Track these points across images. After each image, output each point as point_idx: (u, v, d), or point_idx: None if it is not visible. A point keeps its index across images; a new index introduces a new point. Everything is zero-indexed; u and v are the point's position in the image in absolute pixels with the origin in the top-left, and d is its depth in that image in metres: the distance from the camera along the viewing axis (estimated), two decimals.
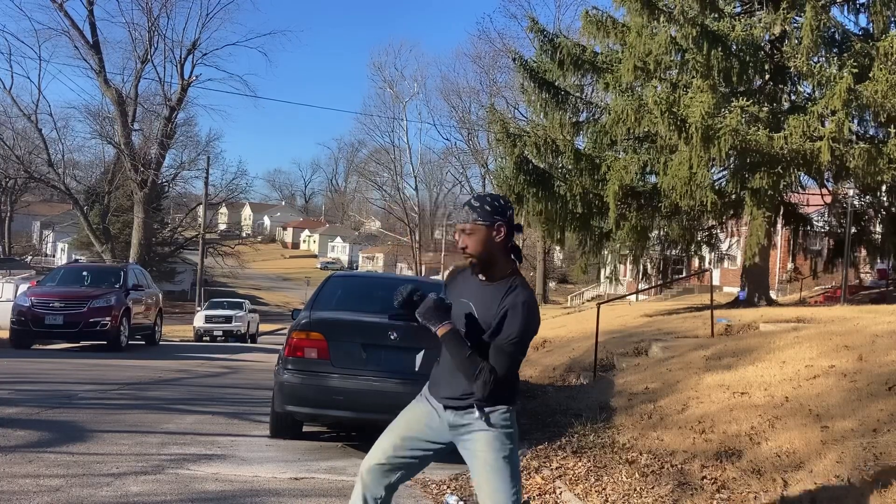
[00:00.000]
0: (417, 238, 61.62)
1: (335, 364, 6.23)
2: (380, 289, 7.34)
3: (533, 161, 17.63)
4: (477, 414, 2.88)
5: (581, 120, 18.47)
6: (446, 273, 3.13)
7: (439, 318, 2.86)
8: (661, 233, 18.52)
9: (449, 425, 2.96)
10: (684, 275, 24.09)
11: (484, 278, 2.95)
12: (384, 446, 3.02)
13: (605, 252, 18.93)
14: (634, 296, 28.75)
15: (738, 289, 19.25)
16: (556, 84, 18.11)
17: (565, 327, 18.83)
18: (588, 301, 40.16)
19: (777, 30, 16.36)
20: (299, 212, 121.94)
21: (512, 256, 2.96)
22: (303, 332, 6.41)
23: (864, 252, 19.25)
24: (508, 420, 2.93)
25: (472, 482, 3.00)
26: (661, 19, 15.95)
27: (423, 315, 2.88)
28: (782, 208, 17.81)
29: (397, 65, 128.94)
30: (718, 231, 19.59)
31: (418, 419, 3.04)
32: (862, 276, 26.18)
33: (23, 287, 20.49)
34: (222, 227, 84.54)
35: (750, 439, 5.31)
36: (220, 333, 29.05)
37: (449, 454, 3.10)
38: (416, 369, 5.94)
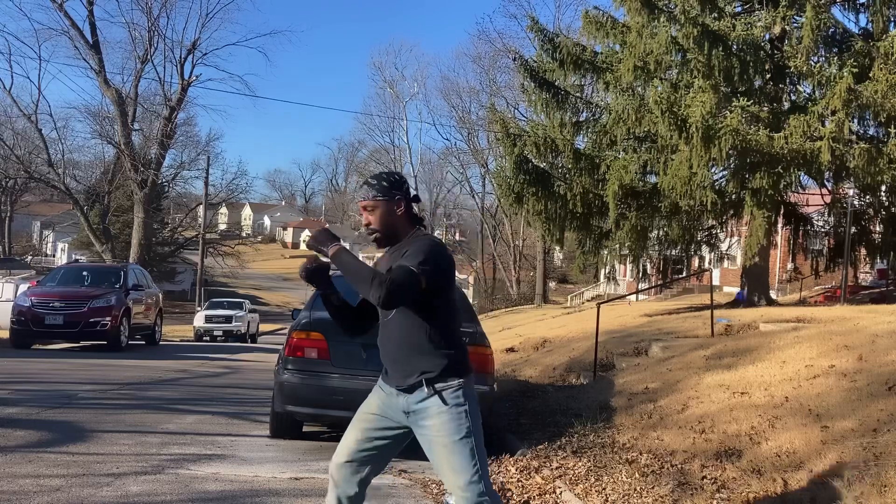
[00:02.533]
0: None
1: (335, 364, 6.23)
2: None
3: (533, 161, 17.64)
4: (426, 390, 2.86)
5: (581, 120, 18.48)
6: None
7: (330, 239, 2.93)
8: (661, 233, 18.52)
9: (404, 411, 2.95)
10: (684, 275, 24.07)
11: (390, 250, 3.04)
12: (348, 443, 3.03)
13: (605, 252, 18.94)
14: (634, 296, 28.76)
15: (738, 289, 19.26)
16: (557, 84, 18.11)
17: (565, 327, 18.84)
18: (588, 301, 40.16)
19: (777, 29, 16.36)
20: (299, 212, 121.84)
21: (415, 224, 3.05)
22: (303, 331, 6.42)
23: (864, 252, 19.24)
24: (461, 396, 2.89)
25: (435, 470, 2.97)
26: (662, 19, 15.95)
27: (315, 240, 2.94)
28: (782, 208, 17.81)
29: (397, 64, 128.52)
30: (718, 231, 19.59)
31: (375, 409, 3.04)
32: (862, 275, 26.17)
33: (23, 287, 20.49)
34: (222, 227, 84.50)
35: (750, 439, 5.31)
36: (220, 333, 29.06)
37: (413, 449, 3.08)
38: None
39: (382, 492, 5.14)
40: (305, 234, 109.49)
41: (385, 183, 3.02)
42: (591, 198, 17.19)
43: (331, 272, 3.07)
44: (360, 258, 3.15)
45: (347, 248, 2.95)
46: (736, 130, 14.14)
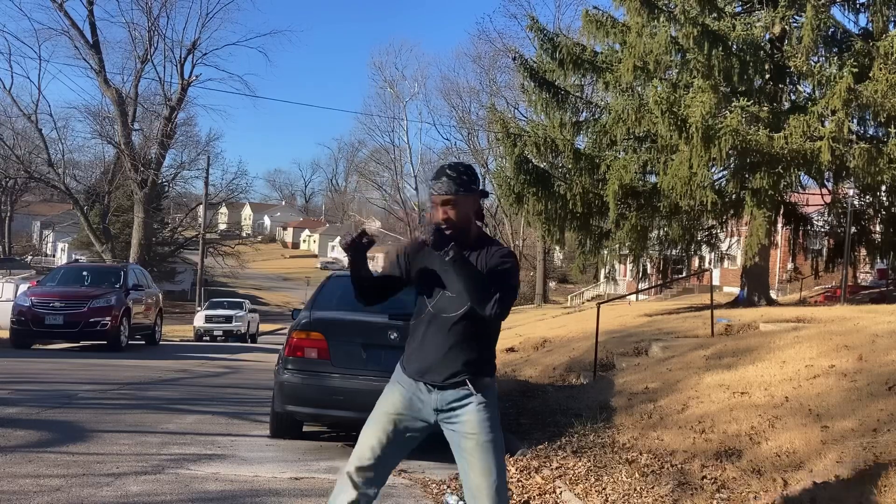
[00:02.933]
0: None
1: (335, 364, 6.23)
2: None
3: (533, 161, 17.63)
4: (469, 387, 2.86)
5: (581, 119, 18.47)
6: (402, 249, 3.01)
7: (447, 241, 2.76)
8: (661, 233, 18.51)
9: (434, 409, 2.91)
10: (684, 275, 24.07)
11: (456, 245, 2.84)
12: (371, 445, 2.93)
13: (605, 252, 18.94)
14: (634, 296, 28.75)
15: (738, 289, 19.26)
16: (557, 83, 18.11)
17: (565, 327, 18.84)
18: (588, 301, 40.16)
19: (777, 29, 16.36)
20: (299, 212, 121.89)
21: (480, 223, 3.01)
22: (303, 331, 6.42)
23: (864, 252, 19.24)
24: (495, 397, 2.93)
25: (459, 465, 2.92)
26: (661, 19, 15.96)
27: (432, 234, 2.75)
28: (782, 208, 17.81)
29: (398, 64, 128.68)
30: (718, 231, 19.58)
31: (399, 407, 2.96)
32: (862, 275, 26.17)
33: (23, 287, 20.49)
34: (222, 227, 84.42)
35: (750, 439, 5.31)
36: (221, 333, 29.05)
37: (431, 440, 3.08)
38: None
39: (382, 491, 5.14)
40: (305, 234, 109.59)
41: (465, 177, 2.89)
42: (591, 198, 17.18)
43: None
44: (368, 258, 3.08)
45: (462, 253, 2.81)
46: (736, 130, 14.14)
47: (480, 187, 2.95)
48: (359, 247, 2.93)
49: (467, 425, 2.86)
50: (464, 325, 2.88)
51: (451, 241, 2.79)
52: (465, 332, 2.88)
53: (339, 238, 3.18)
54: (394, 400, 2.99)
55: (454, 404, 2.88)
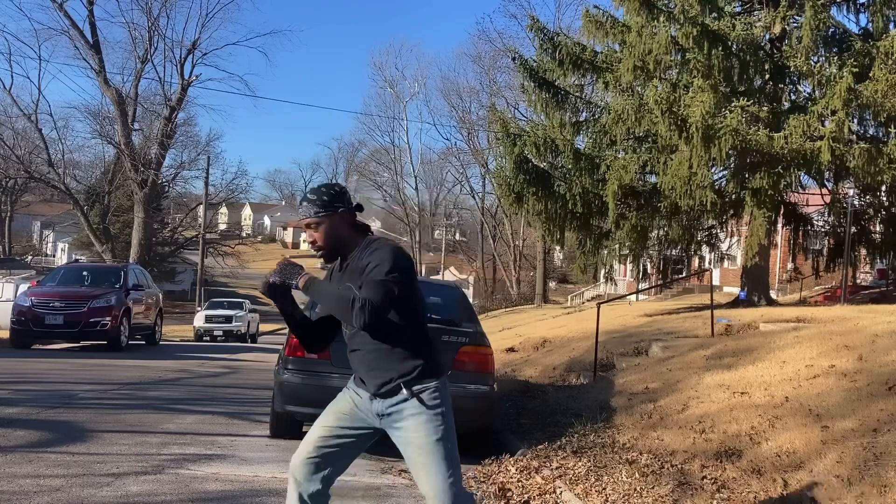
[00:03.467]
0: (417, 238, 61.61)
1: (335, 364, 6.23)
2: None
3: (533, 160, 17.63)
4: (405, 393, 2.83)
5: (581, 119, 18.47)
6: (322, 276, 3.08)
7: (296, 271, 2.87)
8: (661, 233, 18.51)
9: (377, 414, 2.92)
10: (684, 275, 24.06)
11: (340, 264, 2.98)
12: (313, 439, 2.98)
13: (605, 252, 18.93)
14: (634, 296, 28.74)
15: (738, 289, 19.25)
16: (556, 83, 18.10)
17: (565, 327, 18.83)
18: (588, 301, 40.16)
19: (777, 29, 16.36)
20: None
21: (362, 233, 2.99)
22: None
23: (864, 252, 19.24)
24: (439, 398, 2.87)
25: (410, 471, 2.93)
26: (661, 19, 15.95)
27: (281, 273, 2.87)
28: (782, 208, 17.80)
29: (398, 64, 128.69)
30: (718, 231, 19.58)
31: (346, 410, 3.01)
32: (862, 275, 26.17)
33: (23, 287, 20.49)
34: (222, 227, 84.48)
35: (750, 439, 5.31)
36: (221, 333, 29.05)
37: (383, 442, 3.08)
38: None
39: (382, 492, 5.15)
40: (303, 238, 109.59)
41: (325, 197, 2.93)
42: (591, 198, 17.18)
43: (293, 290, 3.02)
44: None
45: (312, 276, 2.90)
46: (736, 130, 14.14)
47: (350, 204, 2.95)
48: (277, 292, 2.95)
49: (408, 430, 2.86)
50: (370, 336, 2.88)
51: (330, 260, 2.96)
52: (376, 342, 2.88)
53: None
54: (342, 403, 3.05)
55: (392, 410, 2.88)
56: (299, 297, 3.07)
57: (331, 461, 2.97)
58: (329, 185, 3.01)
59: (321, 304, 2.87)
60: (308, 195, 2.96)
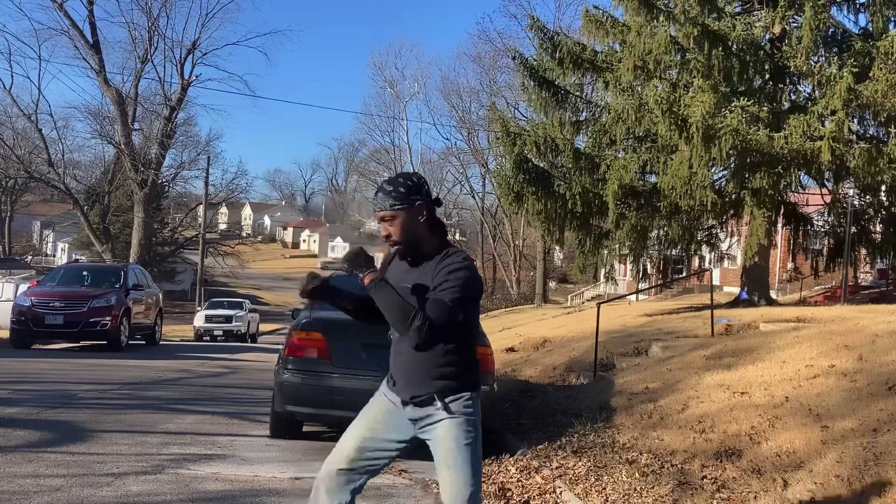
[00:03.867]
0: None
1: (335, 364, 6.23)
2: None
3: (533, 160, 17.62)
4: (438, 405, 2.79)
5: (581, 119, 18.46)
6: (379, 262, 2.93)
7: (366, 265, 2.76)
8: (661, 232, 18.51)
9: (410, 420, 2.86)
10: (684, 275, 24.06)
11: (411, 260, 2.84)
12: (347, 450, 2.88)
13: (605, 252, 18.93)
14: (634, 296, 28.74)
15: (738, 289, 19.24)
16: (556, 83, 18.10)
17: (565, 327, 18.83)
18: (588, 301, 40.16)
19: (777, 29, 16.37)
20: (299, 212, 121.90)
21: (439, 232, 2.86)
22: (303, 331, 6.42)
23: (864, 252, 19.24)
24: (471, 407, 2.83)
25: (437, 475, 2.87)
26: (661, 18, 15.96)
27: (349, 262, 2.78)
28: (782, 208, 17.80)
29: (398, 64, 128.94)
30: (718, 231, 19.57)
31: (379, 418, 2.92)
32: (862, 275, 26.17)
33: (23, 287, 20.48)
34: (222, 226, 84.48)
35: (750, 439, 5.31)
36: (221, 333, 29.06)
37: (415, 451, 3.05)
38: None
39: (382, 492, 5.14)
40: (305, 234, 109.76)
41: (402, 189, 2.76)
42: (590, 197, 17.17)
43: (331, 281, 2.94)
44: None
45: (383, 279, 2.77)
46: (736, 130, 14.14)
47: (429, 197, 2.82)
48: (314, 294, 2.89)
49: (438, 430, 2.81)
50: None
51: (404, 256, 2.83)
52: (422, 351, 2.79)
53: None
54: (376, 409, 2.96)
55: (425, 418, 2.84)
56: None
57: (364, 473, 2.90)
58: (407, 174, 2.86)
59: (380, 305, 2.72)
60: (384, 185, 2.80)
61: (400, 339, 2.86)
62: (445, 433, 2.80)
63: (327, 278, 2.93)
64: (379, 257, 3.10)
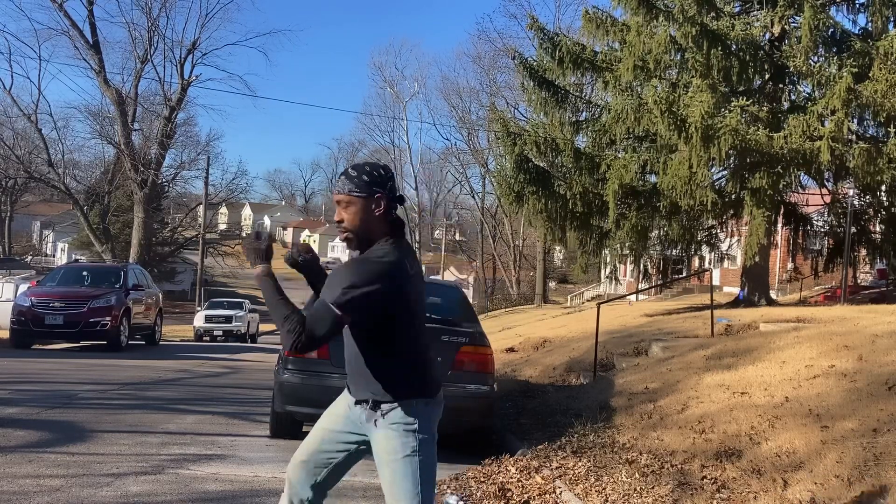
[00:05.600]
0: (417, 238, 61.64)
1: (335, 364, 6.22)
2: None
3: (533, 160, 17.63)
4: (375, 413, 2.67)
5: (581, 119, 18.48)
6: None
7: (259, 257, 2.68)
8: (661, 232, 18.52)
9: (361, 422, 2.75)
10: (684, 275, 24.08)
11: (360, 254, 2.72)
12: (308, 443, 2.83)
13: (606, 251, 18.93)
14: (634, 296, 28.75)
15: (738, 289, 19.25)
16: (556, 83, 18.11)
17: (565, 327, 18.84)
18: (588, 301, 40.16)
19: (776, 29, 16.38)
20: (299, 212, 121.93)
21: (393, 230, 2.71)
22: None
23: (863, 252, 19.25)
24: (411, 415, 2.64)
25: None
26: (660, 18, 15.96)
27: (247, 248, 2.69)
28: (782, 208, 17.81)
29: (398, 64, 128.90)
30: (718, 231, 19.59)
31: (339, 413, 2.84)
32: (862, 275, 26.17)
33: (23, 287, 20.49)
34: (222, 227, 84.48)
35: (750, 439, 5.31)
36: (220, 333, 29.06)
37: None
38: None
39: (382, 492, 5.14)
40: (305, 235, 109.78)
41: (366, 177, 2.65)
42: (591, 197, 17.18)
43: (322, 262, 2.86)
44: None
45: (271, 273, 2.69)
46: (735, 130, 14.14)
47: (393, 192, 2.68)
48: (302, 264, 2.83)
49: (377, 444, 2.69)
50: (356, 340, 2.71)
51: (352, 246, 2.71)
52: (358, 347, 2.71)
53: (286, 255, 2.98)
54: (339, 405, 2.89)
55: (367, 422, 2.72)
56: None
57: (324, 467, 2.80)
58: (375, 164, 2.74)
59: (266, 302, 2.62)
60: (349, 170, 2.70)
61: (347, 337, 2.76)
62: (382, 445, 2.67)
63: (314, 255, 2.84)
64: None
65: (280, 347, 7.28)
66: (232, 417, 7.89)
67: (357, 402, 2.75)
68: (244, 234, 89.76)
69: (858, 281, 25.87)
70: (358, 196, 2.65)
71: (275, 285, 2.66)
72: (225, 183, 50.94)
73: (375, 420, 2.68)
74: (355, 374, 2.75)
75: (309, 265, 2.90)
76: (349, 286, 2.52)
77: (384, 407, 2.66)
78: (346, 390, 2.87)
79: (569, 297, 48.16)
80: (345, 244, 2.73)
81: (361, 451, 2.83)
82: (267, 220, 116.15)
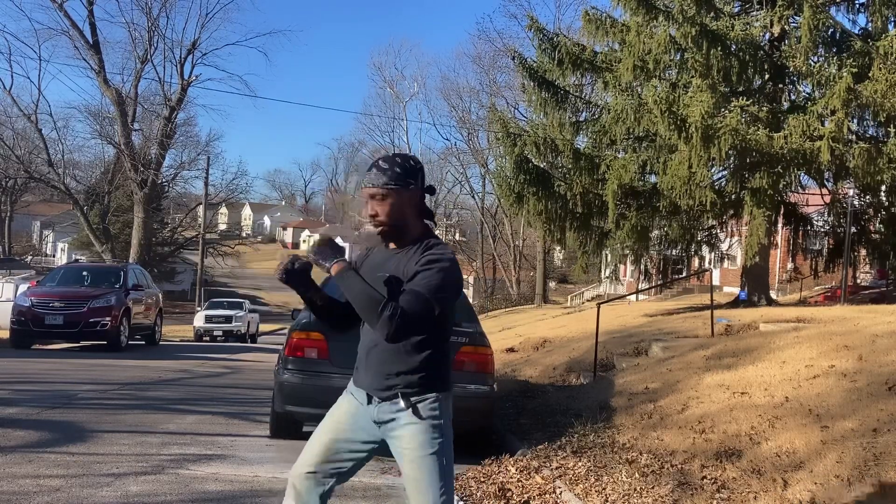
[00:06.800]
0: None
1: (335, 364, 6.22)
2: None
3: (533, 160, 17.64)
4: (402, 404, 2.63)
5: (581, 119, 18.48)
6: (356, 255, 2.81)
7: (334, 254, 2.62)
8: (661, 232, 18.52)
9: (374, 421, 2.70)
10: (684, 275, 24.08)
11: (395, 247, 2.70)
12: (314, 452, 2.75)
13: (606, 251, 18.94)
14: (634, 296, 28.76)
15: (738, 289, 19.26)
16: (556, 83, 18.11)
17: (565, 327, 18.83)
18: (588, 301, 40.17)
19: (776, 29, 16.38)
20: (299, 212, 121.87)
21: (425, 220, 2.71)
22: (303, 331, 6.41)
23: (863, 252, 19.25)
24: (437, 410, 2.65)
25: (404, 484, 2.73)
26: (660, 18, 15.96)
27: (316, 252, 2.64)
28: (782, 208, 17.81)
29: (397, 65, 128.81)
30: (718, 231, 19.59)
31: (346, 418, 2.77)
32: (862, 275, 26.18)
33: (23, 287, 20.49)
34: (222, 227, 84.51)
35: (750, 439, 5.31)
36: (220, 333, 29.05)
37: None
38: None
39: (382, 492, 5.15)
40: (305, 235, 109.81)
41: (399, 169, 2.63)
42: (591, 197, 17.19)
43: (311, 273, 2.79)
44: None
45: (350, 266, 2.63)
46: (735, 130, 14.15)
47: (423, 183, 2.68)
48: (292, 275, 2.73)
49: (402, 441, 2.65)
50: (378, 337, 2.63)
51: (387, 240, 2.68)
52: (392, 344, 2.63)
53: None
54: (343, 408, 2.81)
55: (389, 418, 2.67)
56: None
57: (332, 476, 2.76)
58: (406, 156, 2.72)
59: (348, 295, 2.59)
60: (380, 162, 2.66)
61: (370, 331, 2.70)
62: (409, 441, 2.64)
63: (307, 265, 2.77)
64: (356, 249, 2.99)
65: (280, 347, 7.28)
66: (232, 417, 7.89)
67: (375, 399, 2.69)
68: (244, 234, 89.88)
69: (858, 281, 25.89)
70: (394, 188, 2.62)
71: (358, 276, 2.61)
72: (225, 183, 51.03)
73: (398, 414, 2.65)
74: (383, 368, 2.68)
75: (299, 274, 2.77)
76: (440, 284, 2.54)
77: (414, 399, 2.64)
78: (348, 393, 2.83)
79: (569, 297, 48.16)
80: (379, 238, 2.70)
81: (371, 454, 2.81)
82: (267, 220, 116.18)
